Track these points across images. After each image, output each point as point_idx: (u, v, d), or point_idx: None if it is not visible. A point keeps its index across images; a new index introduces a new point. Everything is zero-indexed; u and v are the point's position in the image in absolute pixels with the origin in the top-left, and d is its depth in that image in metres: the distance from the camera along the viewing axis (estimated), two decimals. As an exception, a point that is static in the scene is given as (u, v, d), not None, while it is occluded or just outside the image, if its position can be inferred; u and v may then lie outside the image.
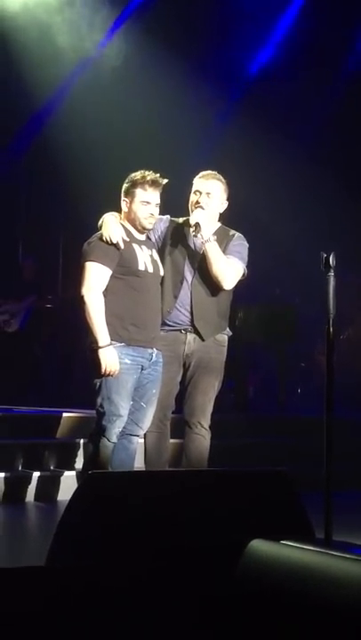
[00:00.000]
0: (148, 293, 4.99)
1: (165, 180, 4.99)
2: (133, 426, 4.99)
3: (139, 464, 5.34)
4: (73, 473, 6.33)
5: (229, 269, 5.17)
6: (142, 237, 5.08)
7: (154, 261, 5.07)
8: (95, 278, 4.88)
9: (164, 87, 9.65)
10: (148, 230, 5.10)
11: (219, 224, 5.31)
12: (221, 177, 5.28)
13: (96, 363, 4.80)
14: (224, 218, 5.36)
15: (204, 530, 2.15)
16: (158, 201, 5.02)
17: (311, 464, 4.35)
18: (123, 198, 5.03)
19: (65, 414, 7.09)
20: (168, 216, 5.29)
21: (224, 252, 5.18)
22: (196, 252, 5.21)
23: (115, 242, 4.87)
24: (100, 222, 5.00)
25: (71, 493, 2.27)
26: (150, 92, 9.74)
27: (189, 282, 5.19)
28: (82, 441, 6.54)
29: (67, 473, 6.34)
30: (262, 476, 2.34)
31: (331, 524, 3.97)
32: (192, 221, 5.11)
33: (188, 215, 5.27)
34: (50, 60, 9.77)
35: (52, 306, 9.93)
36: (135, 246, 4.99)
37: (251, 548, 1.90)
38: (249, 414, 8.70)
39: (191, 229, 5.13)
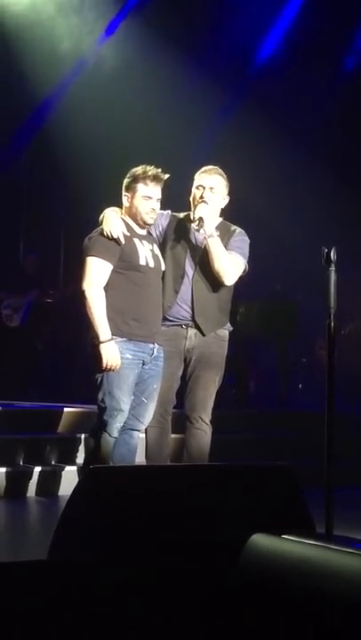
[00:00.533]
0: (149, 288, 4.99)
1: (167, 175, 4.99)
2: (134, 421, 4.99)
3: (140, 459, 5.33)
4: (74, 468, 6.33)
5: (231, 265, 5.16)
6: (143, 232, 5.08)
7: (155, 256, 5.07)
8: (96, 273, 4.88)
9: (165, 82, 9.64)
10: (150, 225, 5.09)
11: (220, 219, 5.31)
12: (223, 172, 5.28)
13: (97, 358, 4.80)
14: (225, 213, 5.36)
15: (205, 524, 2.15)
16: (160, 196, 5.01)
17: (312, 459, 4.35)
18: (124, 193, 5.02)
19: (66, 409, 7.08)
20: (169, 211, 5.29)
21: (225, 247, 5.17)
22: (198, 246, 5.21)
23: (115, 236, 4.87)
24: (100, 217, 4.99)
25: (72, 488, 2.27)
26: (151, 87, 9.73)
27: (190, 277, 5.18)
28: (83, 436, 6.53)
29: (68, 468, 6.34)
30: (263, 470, 2.34)
31: (332, 519, 3.97)
32: (196, 216, 5.10)
33: (189, 210, 5.26)
34: (50, 56, 9.76)
35: (53, 301, 9.92)
36: (136, 241, 4.98)
37: (252, 542, 1.90)
38: (250, 409, 8.70)
39: (194, 224, 5.13)
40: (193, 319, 5.17)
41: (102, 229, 4.92)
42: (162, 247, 5.20)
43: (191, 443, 5.19)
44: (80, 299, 4.94)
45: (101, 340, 4.79)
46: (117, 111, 9.54)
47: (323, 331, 4.35)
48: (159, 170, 4.97)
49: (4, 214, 10.28)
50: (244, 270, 5.27)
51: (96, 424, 4.98)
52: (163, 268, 5.12)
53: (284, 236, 9.63)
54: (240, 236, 5.28)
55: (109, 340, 4.79)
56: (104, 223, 4.93)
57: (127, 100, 9.63)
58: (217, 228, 5.18)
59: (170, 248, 5.21)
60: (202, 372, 5.19)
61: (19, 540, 4.94)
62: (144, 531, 2.11)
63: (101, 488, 2.17)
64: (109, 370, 4.80)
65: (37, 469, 6.22)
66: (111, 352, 4.79)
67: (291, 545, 1.82)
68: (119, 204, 5.05)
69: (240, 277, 5.27)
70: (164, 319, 5.12)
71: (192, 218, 5.18)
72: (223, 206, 5.30)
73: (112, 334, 4.81)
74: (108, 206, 5.03)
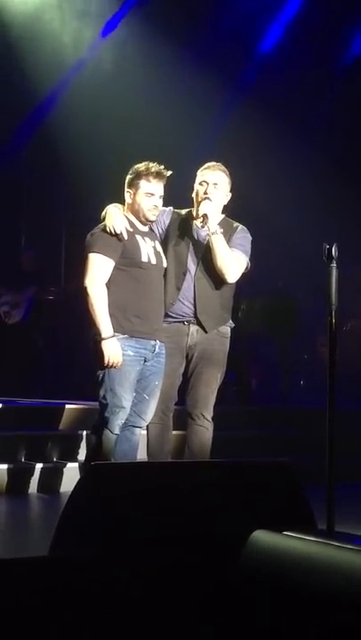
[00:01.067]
0: (151, 285, 4.99)
1: (170, 172, 4.98)
2: (136, 417, 4.99)
3: (141, 456, 5.34)
4: (75, 464, 6.34)
5: (234, 263, 5.16)
6: (145, 229, 5.08)
7: (157, 253, 5.07)
8: (98, 270, 4.87)
9: (166, 78, 9.63)
10: (152, 222, 5.09)
11: (223, 216, 5.30)
12: (225, 168, 5.27)
13: (99, 354, 4.80)
14: (227, 209, 5.35)
15: (206, 521, 2.15)
16: (162, 193, 5.01)
17: (314, 456, 4.35)
18: (126, 189, 5.02)
19: (67, 406, 7.09)
20: (171, 208, 5.28)
21: (228, 244, 5.17)
22: (200, 243, 5.20)
23: (118, 232, 4.86)
24: (103, 214, 4.99)
25: (74, 485, 2.27)
26: (152, 83, 9.72)
27: (193, 274, 5.18)
28: (84, 432, 6.54)
29: (69, 464, 6.35)
30: (265, 467, 2.34)
31: (333, 516, 3.98)
32: (200, 213, 5.10)
33: (191, 207, 5.26)
34: (51, 54, 9.77)
35: (54, 297, 9.92)
36: (138, 238, 4.98)
37: (253, 538, 1.91)
38: (251, 406, 8.70)
39: (198, 220, 5.13)
40: (195, 316, 5.17)
41: (104, 226, 4.91)
42: (164, 244, 5.19)
43: (193, 439, 5.19)
44: (82, 295, 4.94)
45: (103, 336, 4.79)
46: (119, 107, 9.53)
47: (324, 328, 4.35)
48: (162, 166, 4.96)
49: (4, 211, 10.27)
50: (247, 268, 5.27)
51: (98, 421, 4.98)
52: (165, 264, 5.11)
53: (286, 232, 9.62)
54: (242, 233, 5.28)
55: (111, 337, 4.79)
56: (107, 219, 4.93)
57: (128, 97, 9.62)
58: (219, 224, 5.17)
59: (172, 245, 5.21)
60: (204, 368, 5.19)
61: (20, 537, 4.95)
62: (145, 527, 2.11)
63: (103, 485, 2.17)
64: (111, 367, 4.81)
65: (39, 466, 6.23)
66: (113, 349, 4.79)
67: (292, 541, 1.82)
68: (121, 201, 5.05)
69: (242, 274, 5.27)
70: (166, 316, 5.12)
71: (195, 215, 5.18)
72: (226, 203, 5.30)
73: (114, 331, 4.81)
74: (110, 203, 5.03)
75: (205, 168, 5.25)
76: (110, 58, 9.99)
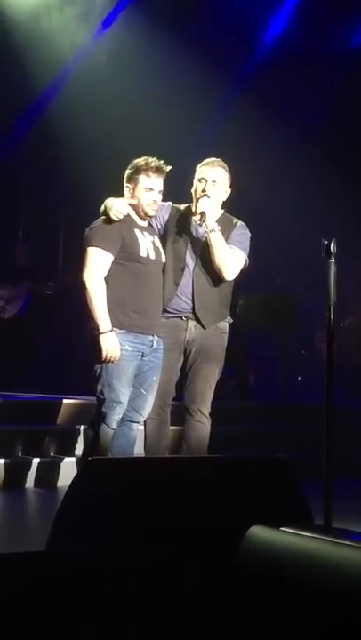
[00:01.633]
0: (149, 280, 4.99)
1: (169, 167, 4.98)
2: (133, 413, 4.99)
3: (138, 451, 5.35)
4: (73, 459, 6.35)
5: (232, 260, 5.15)
6: (144, 224, 5.08)
7: (156, 248, 5.07)
8: (97, 264, 4.88)
9: (164, 73, 9.62)
10: (151, 217, 5.09)
11: (222, 211, 5.30)
12: (225, 164, 5.26)
13: (97, 349, 4.81)
14: (226, 205, 5.35)
15: (203, 516, 2.15)
16: (162, 188, 5.01)
17: (311, 451, 4.35)
18: (125, 184, 5.01)
19: (65, 401, 7.10)
20: (170, 203, 5.28)
21: (226, 240, 5.17)
22: (199, 239, 5.20)
23: (125, 213, 4.86)
24: (102, 208, 4.98)
25: (71, 479, 2.28)
26: (150, 78, 9.71)
27: (191, 270, 5.18)
28: (82, 427, 6.55)
29: (67, 459, 6.36)
30: (262, 462, 2.34)
31: (330, 511, 3.98)
32: (198, 210, 5.10)
33: (190, 202, 5.26)
34: (49, 47, 9.76)
35: (52, 292, 9.89)
36: (137, 232, 4.98)
37: (250, 534, 1.91)
38: (249, 402, 8.71)
39: (196, 217, 5.12)
40: (193, 312, 5.17)
41: (104, 219, 4.92)
42: (163, 239, 5.19)
43: (190, 435, 5.20)
44: (80, 289, 4.94)
45: (101, 330, 4.79)
46: (117, 102, 9.52)
47: (322, 323, 4.36)
48: (161, 161, 4.96)
49: (2, 205, 10.27)
50: (245, 264, 5.27)
51: (95, 416, 4.98)
52: (163, 259, 5.11)
53: (285, 228, 9.62)
54: (241, 230, 5.27)
55: (109, 332, 4.80)
56: (110, 209, 4.91)
57: (127, 91, 9.62)
58: (218, 220, 5.17)
59: (171, 240, 5.21)
60: (202, 364, 5.20)
61: (17, 532, 4.96)
62: (142, 522, 2.11)
63: (100, 480, 2.17)
64: (109, 361, 4.81)
65: (36, 461, 6.24)
66: (111, 343, 4.79)
67: (289, 537, 1.82)
68: (120, 195, 5.05)
69: (241, 271, 5.27)
70: (164, 311, 5.13)
71: (194, 211, 5.18)
72: (225, 199, 5.30)
73: (112, 326, 4.82)
74: (109, 197, 5.03)
75: (204, 164, 5.23)
76: (108, 52, 9.98)
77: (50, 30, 9.78)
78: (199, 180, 5.21)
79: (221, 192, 5.24)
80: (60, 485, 6.12)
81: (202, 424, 5.19)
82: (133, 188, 4.98)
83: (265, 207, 9.09)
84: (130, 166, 5.01)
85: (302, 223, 9.54)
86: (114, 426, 4.90)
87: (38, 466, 6.21)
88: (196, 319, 5.18)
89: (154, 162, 4.95)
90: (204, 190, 5.15)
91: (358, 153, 10.06)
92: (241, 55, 10.52)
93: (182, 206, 5.31)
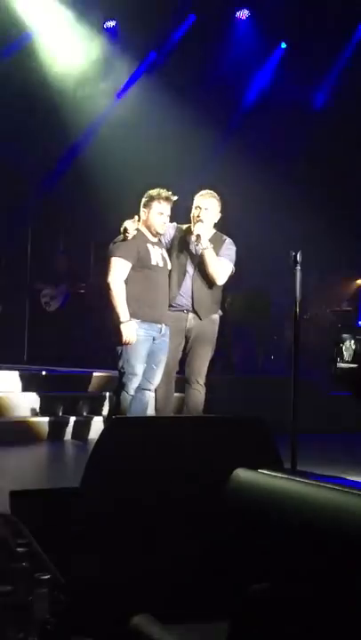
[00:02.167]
0: (158, 283, 5.01)
1: (176, 197, 5.00)
2: (146, 383, 5.00)
3: (151, 411, 5.35)
4: (100, 418, 6.36)
5: (222, 269, 5.18)
6: (155, 240, 5.08)
7: (163, 259, 5.08)
8: (119, 270, 4.89)
9: (170, 126, 9.62)
10: (161, 234, 5.09)
11: (214, 231, 5.30)
12: (216, 194, 5.26)
13: (118, 334, 4.82)
14: (217, 226, 5.34)
15: (198, 460, 2.16)
16: (169, 212, 5.03)
17: (281, 412, 4.36)
18: (142, 209, 5.02)
19: (95, 373, 7.10)
20: (175, 223, 5.27)
21: (217, 253, 5.17)
22: (196, 254, 5.21)
23: (134, 233, 4.86)
24: (122, 227, 4.98)
25: (99, 434, 2.28)
26: (159, 129, 9.72)
27: (191, 275, 5.19)
28: (108, 394, 6.55)
29: (96, 418, 6.37)
30: (243, 420, 2.34)
31: (296, 458, 3.99)
32: (195, 233, 5.10)
33: (190, 222, 5.26)
34: (84, 105, 9.81)
35: (84, 291, 9.92)
36: (149, 246, 4.99)
37: (235, 474, 1.91)
38: (234, 375, 8.70)
39: (193, 238, 5.13)
40: (192, 307, 5.18)
41: (124, 236, 4.92)
42: (169, 252, 5.20)
43: (190, 399, 5.21)
44: (106, 290, 4.95)
45: (122, 320, 4.81)
46: (137, 147, 9.51)
47: (290, 316, 4.35)
48: (170, 192, 4.98)
49: (47, 224, 10.28)
50: (232, 272, 5.27)
51: (117, 385, 4.99)
52: (169, 267, 5.12)
53: (262, 242, 9.59)
54: (229, 245, 5.29)
55: (128, 321, 4.81)
56: (125, 230, 4.92)
57: (141, 139, 9.63)
58: (211, 239, 5.17)
59: (175, 254, 5.22)
60: (199, 346, 5.20)
61: (59, 473, 4.96)
62: (155, 465, 2.12)
63: (121, 434, 2.17)
64: (127, 344, 4.82)
65: (73, 419, 6.24)
66: (129, 330, 4.81)
67: (265, 477, 1.82)
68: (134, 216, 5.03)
69: (229, 276, 5.27)
70: (170, 306, 5.14)
71: (193, 231, 5.18)
72: (216, 221, 5.29)
73: (130, 317, 4.82)
74: (126, 219, 5.02)
75: (200, 195, 5.24)
76: (127, 111, 10.04)
77: (82, 97, 9.87)
78: (195, 208, 5.22)
79: (213, 216, 5.23)
80: (90, 438, 6.14)
81: (198, 391, 5.19)
82: (148, 212, 4.98)
83: (247, 227, 9.05)
84: (145, 195, 5.01)
85: (275, 239, 9.50)
86: (132, 392, 4.91)
87: (74, 423, 6.22)
88: (195, 312, 5.19)
89: (164, 192, 4.95)
90: (198, 216, 5.16)
91: (317, 183, 10.06)
92: (229, 110, 10.51)
93: (184, 226, 5.31)
